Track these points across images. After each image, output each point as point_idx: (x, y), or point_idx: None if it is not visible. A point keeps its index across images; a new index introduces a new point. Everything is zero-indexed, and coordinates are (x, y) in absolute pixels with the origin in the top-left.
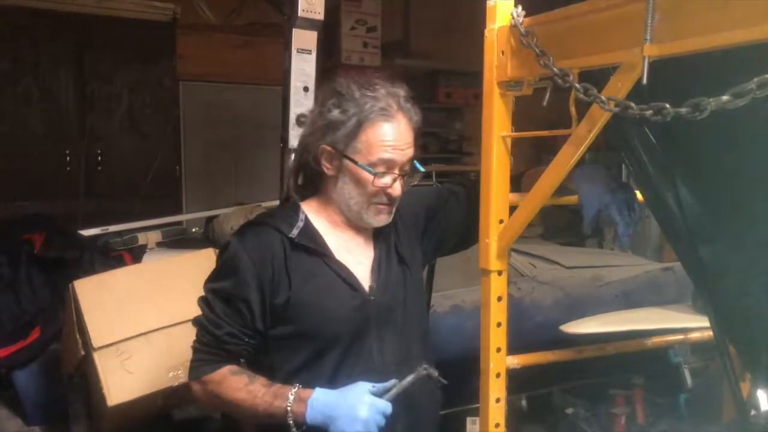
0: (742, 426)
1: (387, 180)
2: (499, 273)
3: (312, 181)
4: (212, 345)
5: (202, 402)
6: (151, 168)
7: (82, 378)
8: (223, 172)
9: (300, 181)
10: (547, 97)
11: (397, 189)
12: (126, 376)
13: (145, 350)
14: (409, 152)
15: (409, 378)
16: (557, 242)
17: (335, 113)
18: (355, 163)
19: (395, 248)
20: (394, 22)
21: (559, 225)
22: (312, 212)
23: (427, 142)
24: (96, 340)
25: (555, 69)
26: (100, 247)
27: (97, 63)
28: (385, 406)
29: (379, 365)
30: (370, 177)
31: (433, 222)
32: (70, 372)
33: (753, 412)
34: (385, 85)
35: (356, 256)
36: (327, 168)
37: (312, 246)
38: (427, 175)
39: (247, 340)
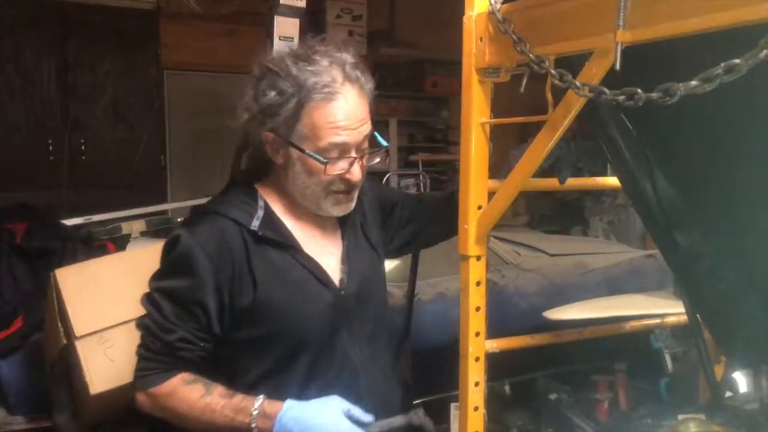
0: (715, 407)
1: (342, 165)
2: (478, 258)
3: (263, 164)
4: (162, 352)
5: (152, 414)
6: (135, 158)
7: (65, 367)
8: (209, 161)
9: (248, 165)
10: (524, 83)
11: (356, 173)
12: (109, 364)
13: (127, 339)
14: (365, 129)
15: (400, 419)
16: (543, 231)
17: (271, 96)
18: (302, 151)
19: (363, 232)
20: (379, 10)
21: (545, 213)
22: (269, 197)
23: (413, 131)
24: (78, 328)
25: (531, 55)
26: (83, 237)
27: (79, 52)
28: None
29: (352, 362)
30: (321, 165)
31: (391, 216)
32: (52, 361)
33: (728, 394)
34: (327, 53)
35: (324, 246)
36: (275, 156)
37: (278, 238)
38: (413, 165)
39: (202, 344)
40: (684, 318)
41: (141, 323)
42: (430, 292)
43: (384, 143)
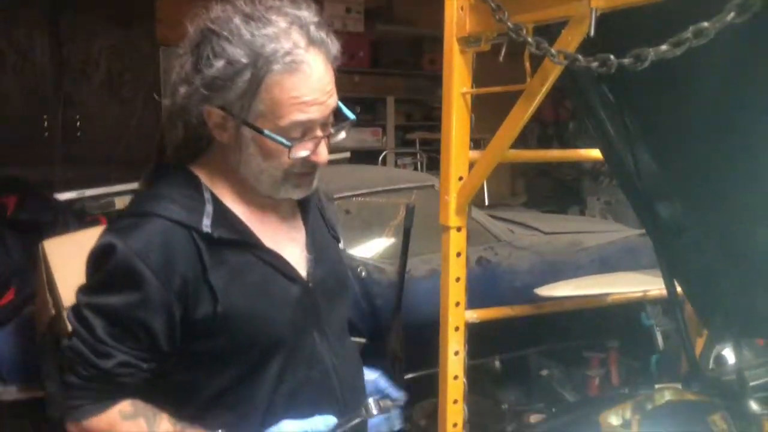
0: (692, 378)
1: (308, 146)
2: (458, 229)
3: (196, 140)
4: (97, 379)
5: None
6: (129, 133)
7: (54, 337)
8: None
9: (176, 142)
10: (503, 52)
11: (322, 154)
12: None
13: None
14: (332, 102)
15: (356, 417)
16: (540, 211)
17: (218, 66)
18: (260, 132)
19: (322, 216)
20: None
21: (543, 194)
22: (213, 184)
23: (410, 109)
24: (66, 299)
25: (509, 24)
26: (75, 212)
27: (73, 26)
28: None
29: (322, 358)
30: (283, 148)
31: None
32: (42, 331)
33: (711, 367)
34: (283, 10)
35: (284, 233)
36: (219, 135)
37: (235, 237)
38: (410, 143)
39: (146, 366)
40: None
41: (69, 345)
42: (422, 268)
43: (351, 116)
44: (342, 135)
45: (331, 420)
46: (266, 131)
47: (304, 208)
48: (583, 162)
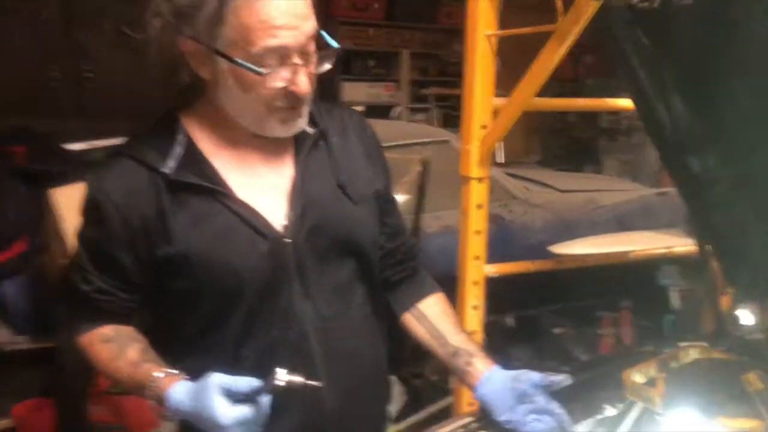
0: (718, 336)
1: (284, 75)
2: (480, 180)
3: (196, 85)
4: (82, 301)
5: None
6: (141, 85)
7: (66, 286)
8: None
9: (181, 87)
10: None
11: (302, 84)
12: None
13: None
14: (308, 27)
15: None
16: (555, 169)
17: None
18: (232, 60)
19: (330, 169)
20: None
21: (558, 152)
22: (196, 128)
23: (426, 64)
24: (74, 248)
25: None
26: (86, 163)
27: None
28: (248, 415)
29: (300, 320)
30: (258, 77)
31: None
32: (54, 281)
33: (735, 325)
34: None
35: (268, 179)
36: (200, 71)
37: (197, 182)
38: (424, 99)
39: (124, 296)
40: (691, 253)
41: (72, 263)
42: (434, 224)
43: (334, 43)
44: (326, 65)
45: (253, 382)
46: (238, 60)
47: (300, 151)
48: (600, 120)
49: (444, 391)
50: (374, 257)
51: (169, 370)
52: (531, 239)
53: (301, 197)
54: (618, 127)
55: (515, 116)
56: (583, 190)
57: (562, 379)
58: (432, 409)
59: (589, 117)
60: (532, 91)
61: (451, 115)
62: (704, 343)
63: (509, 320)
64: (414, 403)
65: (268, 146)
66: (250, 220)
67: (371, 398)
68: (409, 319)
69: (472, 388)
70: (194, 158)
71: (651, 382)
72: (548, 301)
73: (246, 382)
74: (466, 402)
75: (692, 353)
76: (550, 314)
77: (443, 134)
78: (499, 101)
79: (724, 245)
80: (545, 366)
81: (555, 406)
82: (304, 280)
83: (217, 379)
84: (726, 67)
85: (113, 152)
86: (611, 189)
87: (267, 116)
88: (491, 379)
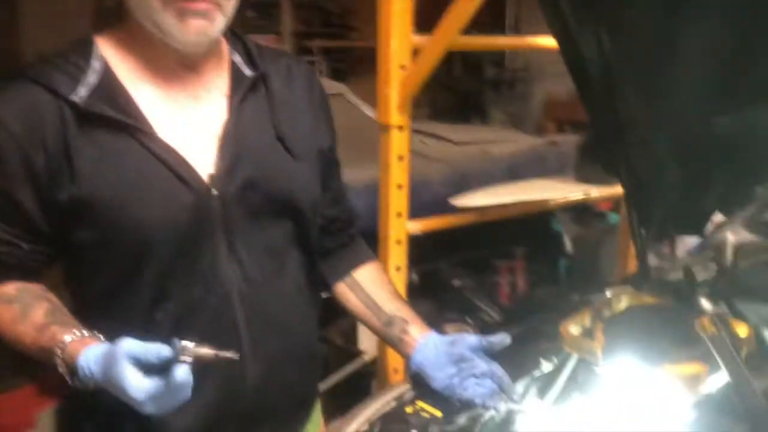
0: (641, 280)
1: None
2: (401, 129)
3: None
4: None
5: None
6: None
7: None
8: None
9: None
10: None
11: None
12: None
13: None
14: None
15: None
16: (444, 122)
17: None
18: None
19: (270, 118)
20: None
21: (444, 106)
22: (116, 50)
23: (310, 15)
24: None
25: None
26: None
27: None
28: (162, 389)
29: (225, 282)
30: None
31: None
32: None
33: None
34: None
35: (194, 119)
36: None
37: (112, 114)
38: (308, 51)
39: (28, 247)
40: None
41: None
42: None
43: None
44: None
45: (164, 351)
46: None
47: (235, 96)
48: (485, 73)
49: (352, 354)
50: (313, 222)
51: (80, 333)
52: (430, 194)
53: (233, 145)
54: (502, 80)
55: (439, 55)
56: (476, 141)
57: (500, 339)
58: (341, 374)
59: (475, 70)
60: (459, 26)
61: (339, 69)
62: (629, 288)
63: (413, 276)
64: (322, 369)
65: (198, 82)
66: (172, 165)
67: (299, 373)
68: (342, 289)
69: (408, 357)
70: (110, 88)
71: (588, 333)
72: (447, 254)
73: (156, 351)
74: (391, 369)
75: (624, 300)
76: (449, 266)
77: (336, 87)
78: (420, 39)
79: (641, 187)
80: (447, 318)
81: (495, 368)
82: (230, 239)
83: (127, 346)
84: (654, 3)
85: (12, 74)
86: (503, 140)
87: (162, 11)
88: (427, 346)
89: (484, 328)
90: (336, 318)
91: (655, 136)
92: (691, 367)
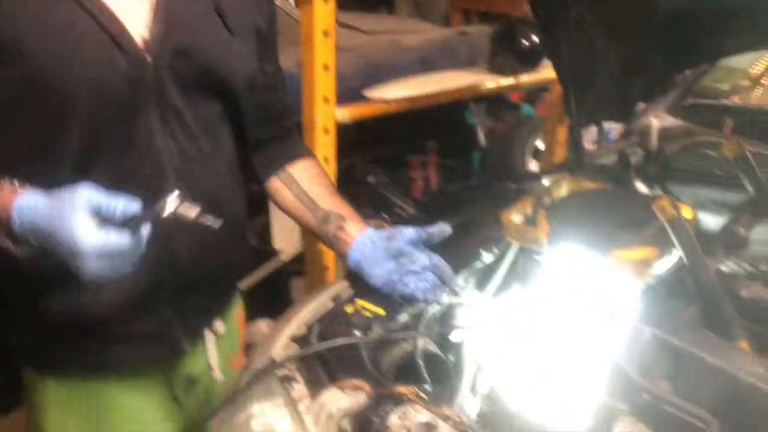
0: (577, 165)
1: None
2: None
3: None
4: None
5: None
6: None
7: None
8: None
9: None
10: None
11: None
12: None
13: None
14: None
15: (171, 204)
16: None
17: None
18: None
19: None
20: None
21: None
22: None
23: None
24: None
25: None
26: None
27: None
28: (116, 245)
29: (157, 154)
30: None
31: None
32: None
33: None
34: None
35: None
36: None
37: None
38: None
39: None
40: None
41: None
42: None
43: None
44: None
45: (133, 205)
46: None
47: None
48: None
49: (266, 254)
50: (247, 102)
51: (10, 182)
52: (342, 85)
53: (168, 11)
54: None
55: None
56: (386, 31)
57: (439, 230)
58: (257, 275)
59: None
60: None
61: None
62: (567, 174)
63: None
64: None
65: None
66: (105, 24)
67: (230, 251)
68: (276, 184)
69: (344, 255)
70: None
71: (530, 221)
72: (361, 151)
73: (122, 205)
74: (321, 267)
75: (564, 185)
76: (363, 163)
77: None
78: None
79: (573, 71)
80: (364, 215)
81: (436, 260)
82: (164, 112)
83: (87, 194)
84: None
85: None
86: (413, 30)
87: None
88: (364, 242)
89: (408, 223)
90: (249, 217)
91: (590, 16)
92: (641, 252)
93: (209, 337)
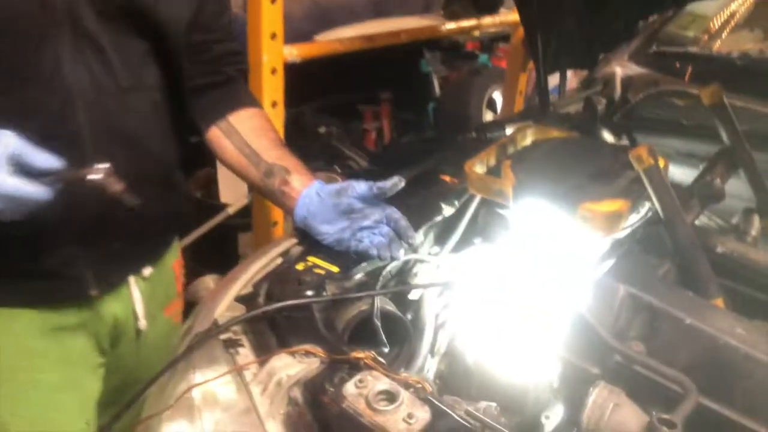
0: (542, 115)
1: None
2: None
3: None
4: None
5: None
6: None
7: None
8: None
9: None
10: None
11: None
12: None
13: None
14: None
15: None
16: None
17: None
18: None
19: None
20: None
21: None
22: None
23: None
24: None
25: None
26: None
27: None
28: (20, 192)
29: (67, 85)
30: None
31: None
32: None
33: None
34: None
35: None
36: None
37: None
38: None
39: None
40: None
41: None
42: None
43: None
44: None
45: (54, 161)
46: None
47: None
48: None
49: (213, 207)
50: (180, 42)
51: None
52: (290, 29)
53: None
54: None
55: None
56: None
57: (392, 183)
58: (203, 229)
59: None
60: None
61: None
62: (532, 123)
63: None
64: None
65: None
66: None
67: (154, 196)
68: (216, 134)
69: (291, 211)
70: None
71: (496, 171)
72: (310, 98)
73: (46, 158)
74: (270, 222)
75: (529, 135)
76: (313, 112)
77: None
78: None
79: (541, 15)
80: (315, 168)
81: (391, 211)
82: (78, 36)
83: (10, 139)
84: None
85: None
86: None
87: None
88: (310, 198)
89: (361, 176)
90: (194, 169)
91: None
92: (613, 204)
93: (134, 284)
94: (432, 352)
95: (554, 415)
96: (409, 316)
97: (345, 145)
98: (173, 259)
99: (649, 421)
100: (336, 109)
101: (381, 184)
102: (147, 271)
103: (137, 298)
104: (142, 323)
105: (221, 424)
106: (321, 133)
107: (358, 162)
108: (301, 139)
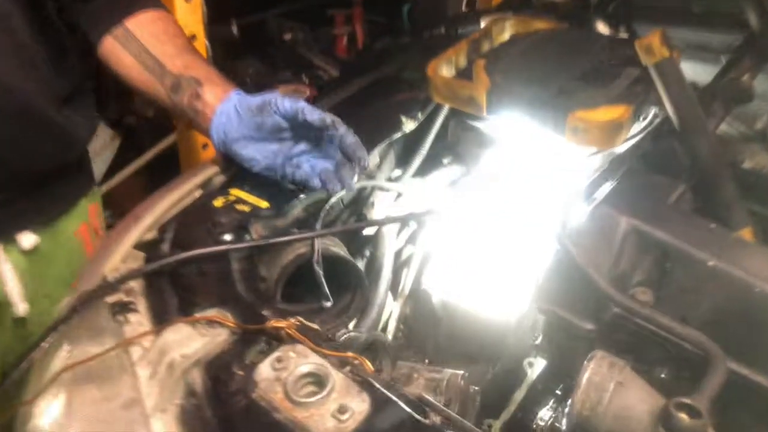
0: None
1: None
2: None
3: None
4: None
5: None
6: None
7: None
8: None
9: None
10: None
11: None
12: None
13: None
14: None
15: None
16: None
17: None
18: None
19: None
20: None
21: None
22: None
23: None
24: None
25: None
26: None
27: None
28: None
29: None
30: None
31: None
32: None
33: None
34: None
35: None
36: None
37: None
38: None
39: None
40: None
41: None
42: None
43: None
44: None
45: None
46: None
47: None
48: None
49: (165, 128)
50: None
51: None
52: None
53: None
54: None
55: None
56: None
57: (320, 120)
58: (154, 151)
59: None
60: None
61: None
62: (511, 14)
63: (233, 31)
64: (130, 147)
65: None
66: None
67: (20, 142)
68: (109, 45)
69: (206, 132)
70: None
71: (466, 73)
72: (274, 4)
73: None
74: (199, 144)
75: (508, 28)
76: (278, 18)
77: None
78: None
79: None
80: (280, 79)
81: (336, 127)
82: None
83: None
84: None
85: None
86: None
87: None
88: (228, 115)
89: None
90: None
91: None
92: (611, 111)
93: (3, 258)
94: (395, 294)
95: (539, 362)
96: (367, 254)
97: (313, 52)
98: (77, 223)
99: (663, 408)
100: (303, 13)
101: (311, 114)
102: (27, 239)
103: (9, 278)
104: (21, 308)
105: (93, 423)
106: (286, 41)
107: (328, 71)
108: (265, 47)
